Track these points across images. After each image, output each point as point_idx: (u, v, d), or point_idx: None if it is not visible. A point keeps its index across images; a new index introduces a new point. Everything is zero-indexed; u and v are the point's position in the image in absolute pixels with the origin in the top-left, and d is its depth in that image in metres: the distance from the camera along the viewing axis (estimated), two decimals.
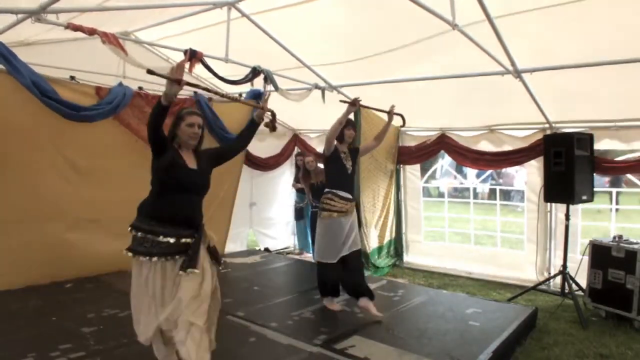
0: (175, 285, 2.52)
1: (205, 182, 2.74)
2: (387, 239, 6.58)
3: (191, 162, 2.68)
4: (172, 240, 2.52)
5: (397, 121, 4.56)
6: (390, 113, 4.31)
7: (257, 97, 5.70)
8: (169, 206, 2.57)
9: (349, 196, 4.06)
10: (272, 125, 3.14)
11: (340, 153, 4.08)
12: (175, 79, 2.41)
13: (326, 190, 4.07)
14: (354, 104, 3.88)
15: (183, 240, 2.56)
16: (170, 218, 2.56)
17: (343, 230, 3.97)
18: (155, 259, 2.49)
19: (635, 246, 4.19)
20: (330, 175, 4.11)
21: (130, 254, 2.53)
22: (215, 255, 2.75)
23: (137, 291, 2.59)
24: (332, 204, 3.98)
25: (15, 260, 4.33)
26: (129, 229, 2.57)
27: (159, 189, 2.61)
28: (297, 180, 6.74)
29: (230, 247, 6.70)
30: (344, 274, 4.02)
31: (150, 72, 2.45)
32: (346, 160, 4.08)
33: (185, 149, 2.70)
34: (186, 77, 5.21)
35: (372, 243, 6.27)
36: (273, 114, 3.13)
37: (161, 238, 2.51)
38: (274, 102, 5.78)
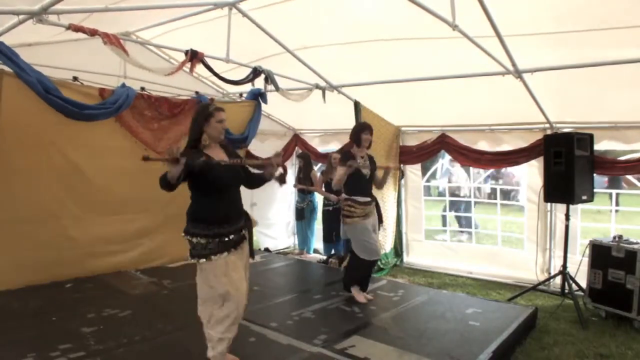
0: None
1: (239, 175, 2.84)
2: (392, 239, 6.59)
3: (222, 157, 2.77)
4: (233, 237, 2.75)
5: (398, 118, 4.54)
6: (389, 169, 4.55)
7: (258, 96, 5.73)
8: (222, 206, 2.72)
9: (368, 199, 4.21)
10: (282, 180, 3.20)
11: (358, 158, 4.18)
12: (172, 159, 2.40)
13: (345, 197, 4.24)
14: (351, 166, 4.03)
15: (243, 232, 2.83)
16: (225, 217, 2.73)
17: (369, 231, 4.20)
18: (225, 254, 2.70)
19: (635, 246, 4.19)
20: (347, 181, 4.16)
21: (202, 259, 2.69)
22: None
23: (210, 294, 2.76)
24: (353, 211, 4.15)
25: (15, 260, 4.33)
26: (189, 237, 2.72)
27: (202, 193, 2.72)
28: (298, 180, 6.74)
29: None
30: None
31: (145, 158, 2.42)
32: (363, 165, 4.18)
33: (212, 146, 2.78)
34: (186, 77, 5.28)
35: (387, 245, 6.30)
36: (285, 169, 3.18)
37: (229, 237, 2.72)
38: (275, 102, 5.84)
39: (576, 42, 3.83)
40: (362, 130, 4.25)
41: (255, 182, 3.06)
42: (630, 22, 3.44)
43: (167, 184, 2.51)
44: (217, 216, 2.70)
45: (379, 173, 4.44)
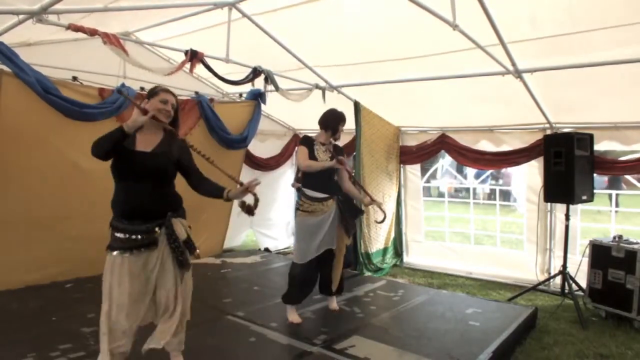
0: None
1: (158, 166, 2.48)
2: (391, 239, 6.59)
3: (145, 145, 2.48)
4: (123, 236, 2.41)
5: (398, 118, 4.53)
6: (374, 203, 3.94)
7: (258, 97, 5.72)
8: (122, 197, 2.46)
9: (322, 196, 3.76)
10: (251, 211, 2.53)
11: (318, 145, 3.78)
12: (143, 109, 2.32)
13: (297, 187, 3.94)
14: (341, 163, 3.71)
15: (134, 237, 2.41)
16: (122, 210, 2.45)
17: (310, 230, 3.72)
18: (115, 253, 2.42)
19: (635, 246, 4.19)
20: (306, 174, 3.79)
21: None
22: (183, 254, 2.51)
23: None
24: (300, 204, 3.80)
25: (15, 260, 4.34)
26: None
27: (116, 178, 2.51)
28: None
29: (230, 246, 6.73)
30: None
31: (119, 92, 2.41)
32: (324, 153, 3.78)
33: (146, 131, 2.49)
34: (186, 77, 5.27)
35: (377, 245, 6.28)
36: (256, 200, 2.55)
37: (117, 234, 2.44)
38: (274, 102, 5.84)
39: (576, 41, 3.83)
40: (341, 120, 3.89)
41: (206, 188, 2.60)
42: (631, 19, 3.42)
43: (118, 137, 2.29)
44: (123, 208, 2.45)
45: (361, 195, 3.94)
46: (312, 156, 3.74)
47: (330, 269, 3.99)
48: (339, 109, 4.01)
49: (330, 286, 4.06)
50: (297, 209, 3.88)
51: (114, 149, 2.36)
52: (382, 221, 4.24)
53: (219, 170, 2.54)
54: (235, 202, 2.60)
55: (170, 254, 2.50)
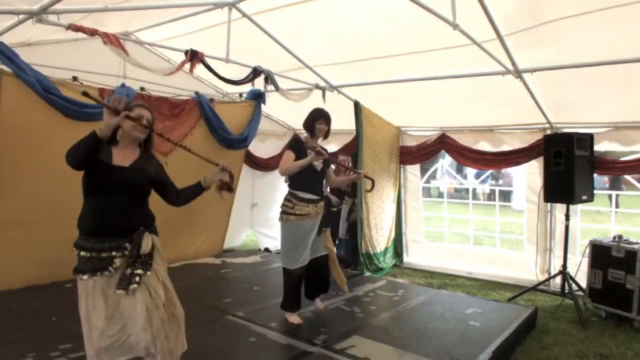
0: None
1: (136, 181, 2.40)
2: (391, 240, 6.59)
3: (123, 160, 2.39)
4: (90, 255, 2.28)
5: (398, 118, 4.52)
6: (360, 176, 3.91)
7: (258, 97, 5.73)
8: (93, 211, 2.33)
9: (314, 197, 3.70)
10: (229, 187, 2.60)
11: (308, 149, 3.63)
12: (113, 109, 2.18)
13: (288, 190, 3.75)
14: (319, 153, 3.51)
15: (104, 254, 2.27)
16: (93, 226, 2.31)
17: (302, 236, 3.66)
18: (85, 276, 2.27)
19: (635, 246, 4.19)
20: (296, 173, 3.64)
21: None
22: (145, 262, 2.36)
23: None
24: (291, 207, 3.66)
25: (15, 260, 4.33)
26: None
27: (84, 195, 2.37)
28: None
29: (230, 246, 6.73)
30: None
31: (85, 94, 2.24)
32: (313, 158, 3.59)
33: (123, 146, 2.41)
34: (186, 77, 5.27)
35: (379, 245, 6.29)
36: (231, 176, 2.59)
37: (84, 254, 2.29)
38: (274, 102, 5.84)
39: (577, 41, 3.83)
40: (315, 118, 3.72)
41: (184, 194, 2.59)
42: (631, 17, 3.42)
43: (91, 142, 2.20)
44: (95, 223, 2.32)
45: (345, 176, 3.83)
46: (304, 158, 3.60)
47: (327, 270, 3.99)
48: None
49: (327, 286, 4.03)
50: (285, 212, 3.68)
51: (89, 160, 2.27)
52: (372, 189, 3.96)
53: (197, 155, 2.55)
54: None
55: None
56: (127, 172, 2.37)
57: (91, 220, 2.33)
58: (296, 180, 3.71)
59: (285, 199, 3.74)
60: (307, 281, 3.95)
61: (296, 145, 3.71)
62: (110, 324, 2.34)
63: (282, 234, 3.76)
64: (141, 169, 2.43)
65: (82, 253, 2.30)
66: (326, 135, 3.83)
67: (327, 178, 3.92)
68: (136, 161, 2.44)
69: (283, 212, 3.72)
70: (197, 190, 2.59)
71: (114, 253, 2.29)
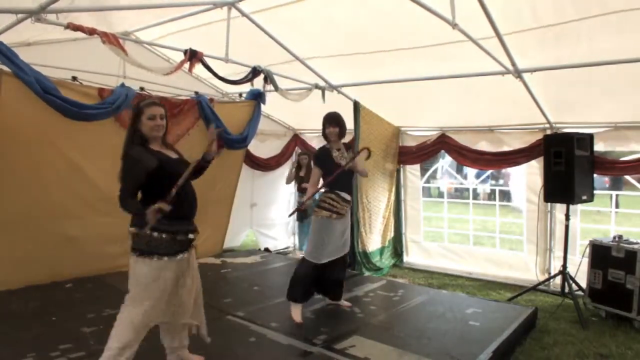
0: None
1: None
2: (388, 239, 6.59)
3: (169, 153, 2.66)
4: (184, 238, 2.62)
5: (398, 118, 4.51)
6: (360, 151, 4.00)
7: (257, 96, 5.72)
8: (178, 202, 2.48)
9: (349, 197, 3.92)
10: (220, 145, 2.85)
11: (333, 151, 3.90)
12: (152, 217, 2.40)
13: (324, 189, 3.90)
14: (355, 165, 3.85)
15: (180, 237, 2.61)
16: (177, 214, 2.54)
17: (335, 235, 3.85)
18: (180, 256, 2.61)
19: (635, 246, 4.19)
20: (326, 177, 3.85)
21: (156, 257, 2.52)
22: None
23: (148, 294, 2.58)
24: (333, 205, 3.82)
25: (16, 260, 4.33)
26: (142, 230, 2.50)
27: (154, 192, 2.52)
28: (300, 179, 6.70)
29: (230, 246, 6.73)
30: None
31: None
32: (341, 158, 3.89)
33: (153, 144, 2.61)
34: (185, 77, 5.27)
35: (374, 244, 6.28)
36: (212, 140, 2.88)
37: (180, 237, 2.58)
38: (274, 102, 5.83)
39: (577, 41, 3.83)
40: (324, 125, 3.94)
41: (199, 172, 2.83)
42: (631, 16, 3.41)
43: (132, 212, 2.53)
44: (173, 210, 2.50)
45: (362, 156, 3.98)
46: (330, 166, 3.79)
47: (343, 272, 4.15)
48: (339, 109, 4.01)
49: (341, 288, 4.19)
50: (323, 208, 3.83)
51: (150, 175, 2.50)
52: (368, 157, 3.99)
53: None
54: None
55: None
56: (181, 163, 2.64)
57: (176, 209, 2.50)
58: (335, 181, 3.81)
59: (329, 198, 3.84)
60: (324, 280, 4.01)
61: (318, 159, 3.93)
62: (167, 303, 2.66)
63: (315, 228, 3.89)
64: (183, 159, 2.72)
65: (156, 234, 2.52)
66: (340, 135, 3.97)
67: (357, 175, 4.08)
68: (176, 152, 2.75)
69: (320, 208, 3.86)
70: (202, 165, 2.76)
71: (190, 236, 2.67)
